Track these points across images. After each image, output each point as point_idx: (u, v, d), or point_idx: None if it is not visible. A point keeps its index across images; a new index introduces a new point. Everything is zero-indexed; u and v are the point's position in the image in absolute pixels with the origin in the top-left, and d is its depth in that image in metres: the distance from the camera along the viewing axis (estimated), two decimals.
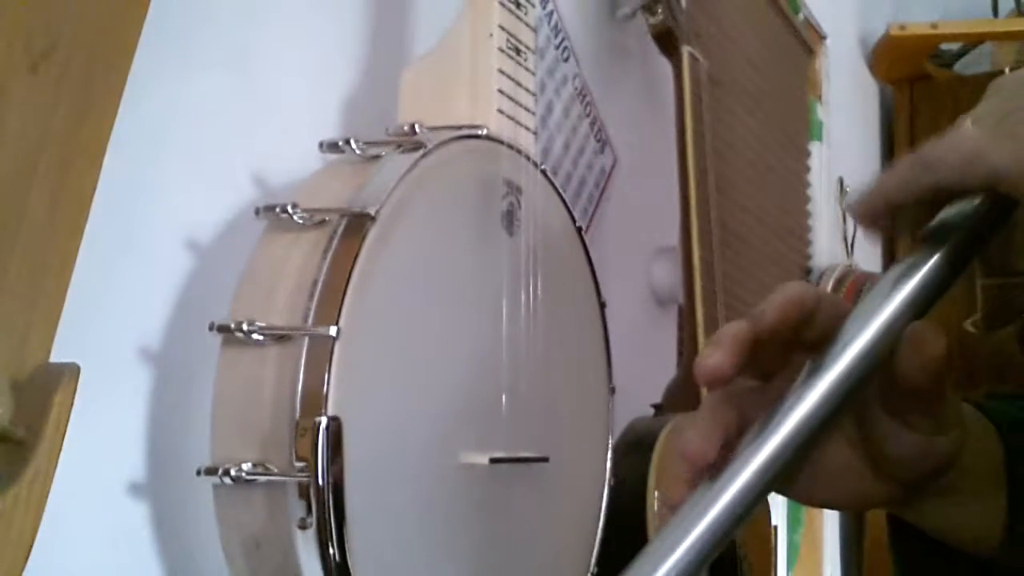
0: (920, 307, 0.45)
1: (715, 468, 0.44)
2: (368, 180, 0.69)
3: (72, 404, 0.52)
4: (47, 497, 0.51)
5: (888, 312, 0.45)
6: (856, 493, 0.49)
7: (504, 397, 0.76)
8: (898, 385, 0.45)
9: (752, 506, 0.43)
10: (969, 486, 0.50)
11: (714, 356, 0.44)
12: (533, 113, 0.84)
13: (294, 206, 0.66)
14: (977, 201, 0.46)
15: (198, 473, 0.63)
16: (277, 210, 0.67)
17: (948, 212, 0.46)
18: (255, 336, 0.63)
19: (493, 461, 0.74)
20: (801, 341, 0.47)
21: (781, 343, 0.46)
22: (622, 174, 1.32)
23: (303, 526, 0.61)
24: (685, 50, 1.22)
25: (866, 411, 0.47)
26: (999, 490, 0.51)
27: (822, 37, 2.14)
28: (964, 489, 0.50)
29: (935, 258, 0.45)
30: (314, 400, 0.61)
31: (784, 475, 0.44)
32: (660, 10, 1.21)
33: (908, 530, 0.53)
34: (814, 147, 1.98)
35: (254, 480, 0.62)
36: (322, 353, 0.62)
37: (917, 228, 0.48)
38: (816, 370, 0.44)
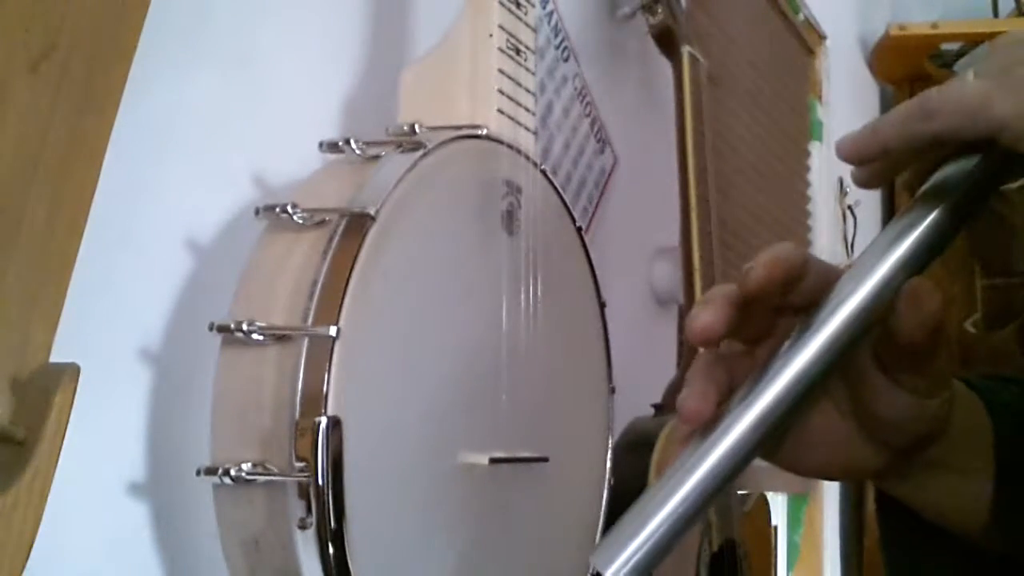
0: (918, 264, 0.45)
1: (707, 427, 0.44)
2: (368, 180, 0.69)
3: (72, 404, 0.52)
4: (47, 497, 0.51)
5: (885, 268, 0.45)
6: (845, 461, 0.49)
7: (504, 397, 0.76)
8: (894, 341, 0.45)
9: (742, 464, 0.43)
10: (957, 462, 0.50)
11: (704, 315, 0.45)
12: (533, 113, 0.84)
13: (294, 206, 0.66)
14: (976, 159, 0.46)
15: (198, 473, 0.63)
16: (277, 210, 0.67)
17: (947, 170, 0.46)
18: (255, 336, 0.63)
19: (493, 461, 0.74)
20: (788, 305, 0.47)
21: (769, 306, 0.47)
22: (622, 174, 1.32)
23: (303, 526, 0.61)
24: (685, 50, 1.22)
25: (859, 370, 0.47)
26: (987, 470, 0.51)
27: (822, 37, 2.14)
28: (952, 464, 0.50)
29: (933, 215, 0.45)
30: (314, 400, 0.61)
31: (779, 430, 0.44)
32: (660, 10, 1.21)
33: (896, 509, 0.53)
34: (814, 147, 1.98)
35: (254, 480, 0.62)
36: (322, 353, 0.62)
37: (916, 186, 0.47)
38: (812, 323, 0.45)
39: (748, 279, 0.45)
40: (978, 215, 0.47)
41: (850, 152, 0.47)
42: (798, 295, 0.46)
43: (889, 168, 0.48)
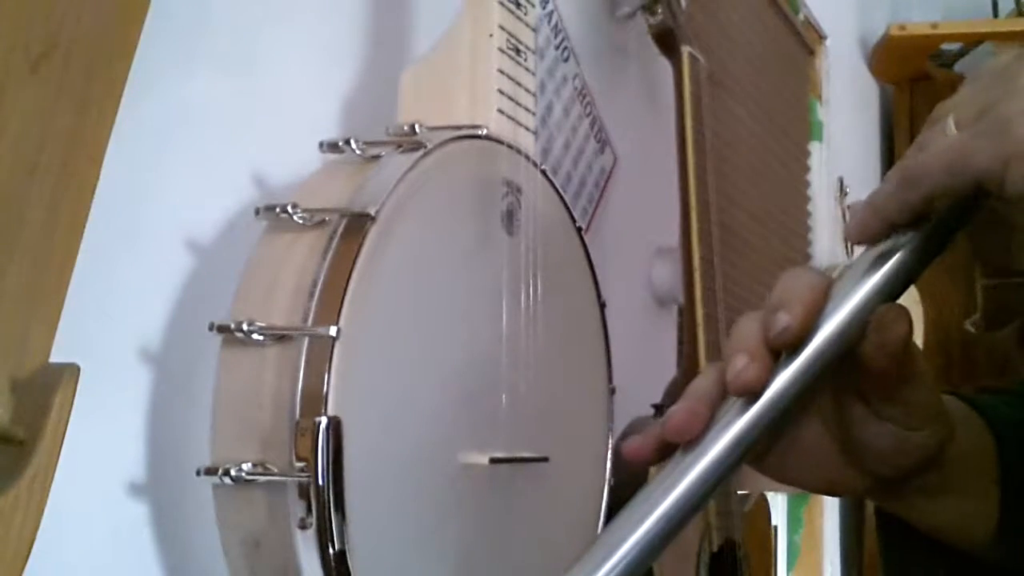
0: (891, 291, 0.46)
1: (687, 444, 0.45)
2: (368, 180, 0.69)
3: (72, 404, 0.52)
4: (47, 497, 0.51)
5: (859, 294, 0.46)
6: (826, 478, 0.50)
7: (504, 397, 0.76)
8: (863, 366, 0.45)
9: (723, 476, 0.44)
10: (961, 485, 0.50)
11: (680, 413, 0.45)
12: (533, 113, 0.84)
13: (294, 206, 0.66)
14: None
15: (198, 473, 0.63)
16: (277, 210, 0.66)
17: None
18: (255, 336, 0.63)
19: (493, 461, 0.74)
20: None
21: None
22: (622, 174, 1.32)
23: (303, 526, 0.61)
24: (685, 50, 1.22)
25: (841, 396, 0.48)
26: (991, 489, 0.51)
27: (822, 37, 2.14)
28: (956, 488, 0.50)
29: (908, 245, 0.46)
30: (314, 400, 0.61)
31: (756, 447, 0.45)
32: (660, 10, 1.21)
33: (895, 518, 0.53)
34: (814, 147, 1.98)
35: (254, 480, 0.62)
36: (322, 353, 0.62)
37: None
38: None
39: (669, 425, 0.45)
40: (955, 241, 0.48)
41: (860, 236, 0.47)
42: None
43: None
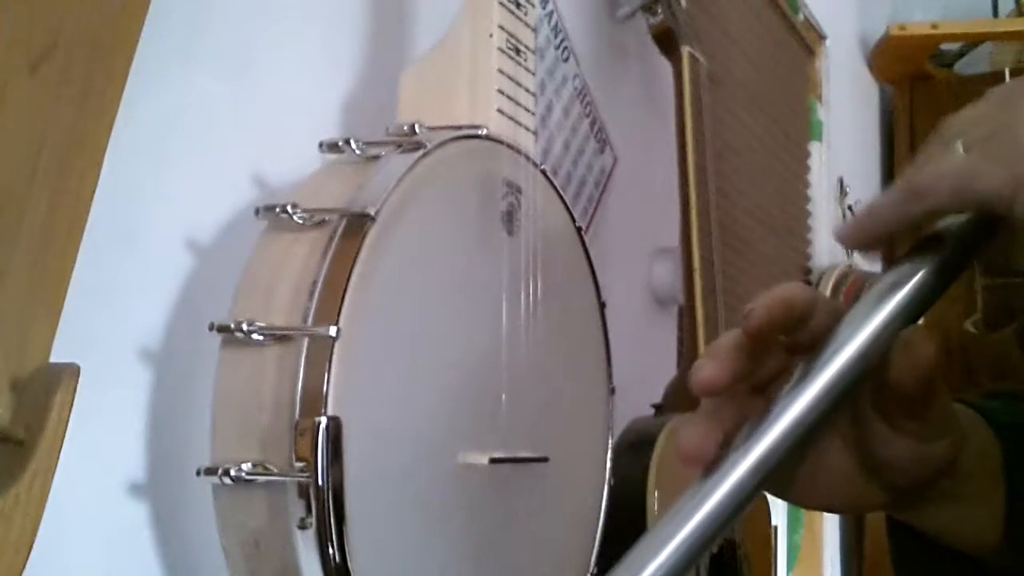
0: (911, 314, 0.46)
1: (709, 466, 0.44)
2: (368, 180, 0.69)
3: (72, 404, 0.52)
4: (47, 497, 0.51)
5: (880, 318, 0.45)
6: (852, 498, 0.49)
7: (504, 397, 0.76)
8: (888, 389, 0.45)
9: (742, 506, 0.43)
10: (969, 491, 0.51)
11: (708, 368, 0.44)
12: (533, 113, 0.84)
13: (294, 206, 0.66)
14: (968, 214, 0.46)
15: (198, 473, 0.63)
16: (277, 210, 0.67)
17: (942, 223, 0.47)
18: (255, 336, 0.63)
19: (493, 461, 0.74)
20: (799, 345, 0.47)
21: (778, 347, 0.46)
22: (622, 174, 1.32)
23: (303, 526, 0.61)
24: (685, 50, 1.22)
25: (860, 415, 0.47)
26: (997, 494, 0.51)
27: (822, 37, 2.14)
28: (965, 495, 0.50)
29: (927, 268, 0.46)
30: (314, 400, 0.61)
31: (775, 475, 0.44)
32: (660, 10, 1.21)
33: (906, 528, 0.53)
34: (814, 147, 1.98)
35: (254, 480, 0.62)
36: (322, 353, 0.62)
37: (914, 237, 0.48)
38: (808, 372, 0.45)
39: (749, 320, 0.44)
40: (971, 265, 0.48)
41: (852, 241, 0.47)
42: (807, 334, 0.46)
43: (890, 242, 0.49)
